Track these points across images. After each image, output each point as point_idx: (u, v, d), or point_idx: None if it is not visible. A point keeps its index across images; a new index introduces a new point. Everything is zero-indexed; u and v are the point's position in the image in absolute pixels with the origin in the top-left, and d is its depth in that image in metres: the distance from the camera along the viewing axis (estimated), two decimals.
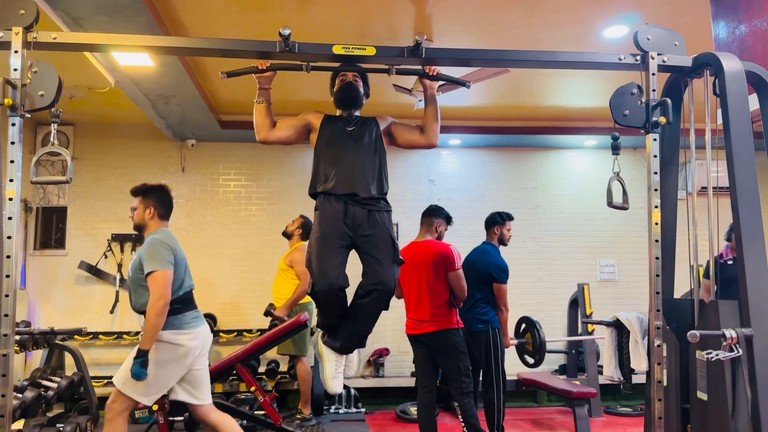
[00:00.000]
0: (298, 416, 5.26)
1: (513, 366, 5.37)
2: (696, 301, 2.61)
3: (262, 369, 6.00)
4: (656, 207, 2.50)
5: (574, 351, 6.24)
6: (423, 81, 2.79)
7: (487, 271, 4.21)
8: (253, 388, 4.41)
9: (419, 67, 2.69)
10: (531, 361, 4.75)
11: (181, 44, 2.74)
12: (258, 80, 2.72)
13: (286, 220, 5.72)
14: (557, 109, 6.14)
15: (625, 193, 2.56)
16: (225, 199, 6.61)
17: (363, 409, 5.87)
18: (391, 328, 6.13)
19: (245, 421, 4.40)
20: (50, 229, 6.32)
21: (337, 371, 2.69)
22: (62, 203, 6.35)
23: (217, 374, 4.41)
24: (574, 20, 4.12)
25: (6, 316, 2.17)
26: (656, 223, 2.49)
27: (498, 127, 6.44)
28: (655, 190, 2.50)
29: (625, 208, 2.58)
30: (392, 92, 4.84)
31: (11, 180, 2.23)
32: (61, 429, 4.16)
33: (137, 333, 6.03)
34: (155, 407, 3.73)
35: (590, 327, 5.92)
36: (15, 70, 2.28)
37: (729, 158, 2.40)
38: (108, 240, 6.31)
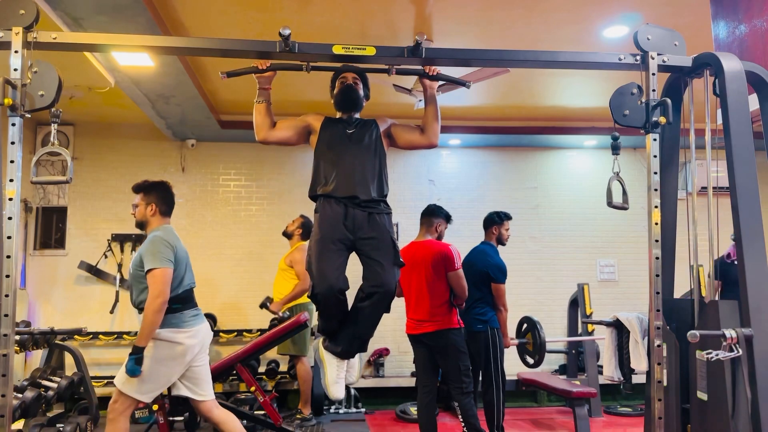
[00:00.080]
0: (298, 416, 5.26)
1: (513, 366, 5.38)
2: (696, 301, 2.61)
3: (262, 369, 6.00)
4: (656, 207, 2.50)
5: (574, 351, 6.24)
6: (423, 81, 2.79)
7: (485, 271, 4.21)
8: (253, 388, 4.41)
9: (419, 67, 2.69)
10: (531, 361, 4.75)
11: (181, 44, 2.74)
12: (258, 80, 2.72)
13: (286, 220, 5.72)
14: (557, 109, 6.14)
15: (625, 193, 2.56)
16: (225, 199, 6.61)
17: (363, 409, 5.87)
18: (391, 328, 6.13)
19: (245, 421, 4.40)
20: (50, 229, 6.33)
21: (339, 377, 2.68)
22: (62, 203, 6.35)
23: (217, 374, 4.41)
24: (574, 20, 4.12)
25: (6, 316, 2.17)
26: (656, 223, 2.49)
27: (498, 127, 6.44)
28: (655, 190, 2.50)
29: (625, 208, 2.58)
30: (392, 92, 4.84)
31: (11, 180, 2.23)
32: (61, 429, 4.16)
33: (137, 333, 6.01)
34: (155, 407, 3.73)
35: (590, 327, 5.92)
36: (15, 70, 2.28)
37: (729, 158, 2.40)
38: (108, 240, 6.32)
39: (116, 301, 6.23)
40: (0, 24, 2.31)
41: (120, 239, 6.33)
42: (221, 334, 6.21)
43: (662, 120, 2.47)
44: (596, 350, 6.03)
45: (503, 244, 4.48)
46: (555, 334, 6.46)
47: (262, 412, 4.50)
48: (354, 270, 2.56)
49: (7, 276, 2.18)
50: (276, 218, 6.39)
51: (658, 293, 2.47)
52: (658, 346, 2.45)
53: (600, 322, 3.74)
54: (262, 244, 6.48)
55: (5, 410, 2.16)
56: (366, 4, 3.89)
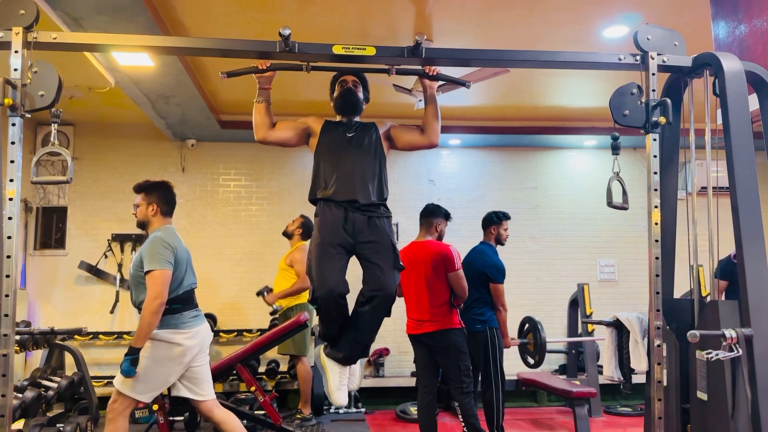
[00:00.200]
0: (298, 416, 5.26)
1: (513, 366, 5.38)
2: (696, 301, 2.61)
3: (262, 369, 6.00)
4: (656, 207, 2.50)
5: (574, 351, 6.24)
6: (423, 81, 2.79)
7: (483, 271, 4.20)
8: (253, 388, 4.41)
9: (419, 67, 2.69)
10: (532, 361, 4.75)
11: (181, 44, 2.74)
12: (258, 80, 2.72)
13: (286, 220, 5.72)
14: (557, 109, 6.15)
15: (625, 193, 2.56)
16: (225, 199, 6.61)
17: (363, 409, 5.87)
18: (391, 328, 6.13)
19: (245, 421, 4.40)
20: (50, 229, 6.33)
21: (342, 383, 2.67)
22: (62, 203, 6.35)
23: (217, 374, 4.41)
24: (574, 20, 4.12)
25: (6, 316, 2.17)
26: (656, 223, 2.49)
27: (498, 127, 6.44)
28: (655, 190, 2.50)
29: (625, 208, 2.58)
30: (392, 92, 4.84)
31: (11, 180, 2.23)
32: (61, 429, 4.16)
33: None
34: (155, 407, 3.73)
35: (590, 327, 5.92)
36: (15, 70, 2.28)
37: (729, 158, 2.40)
38: (108, 240, 6.32)
39: (116, 301, 6.24)
40: (0, 24, 2.30)
41: (120, 239, 6.33)
42: (221, 334, 6.21)
43: (662, 120, 2.47)
44: (596, 350, 6.03)
45: (502, 244, 4.47)
46: (555, 334, 6.46)
47: (262, 412, 4.50)
48: (354, 273, 2.56)
49: (7, 276, 2.18)
50: (276, 218, 6.39)
51: (658, 293, 2.47)
52: (658, 346, 2.45)
53: (600, 322, 3.74)
54: (262, 244, 6.48)
55: (5, 410, 2.16)
56: (366, 4, 3.89)
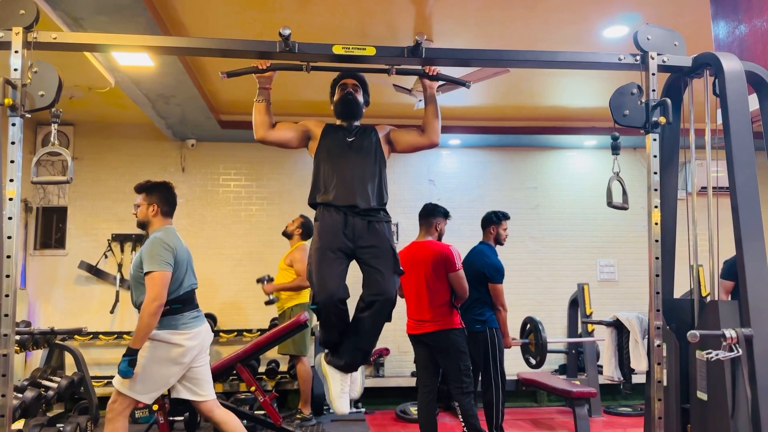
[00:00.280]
0: (298, 416, 5.26)
1: (513, 366, 5.38)
2: (696, 301, 2.61)
3: (262, 369, 6.00)
4: (656, 207, 2.50)
5: (574, 351, 6.24)
6: (423, 81, 2.79)
7: (481, 271, 4.20)
8: (253, 388, 4.41)
9: (419, 67, 2.69)
10: (533, 362, 4.75)
11: (181, 44, 2.74)
12: (258, 80, 2.72)
13: (286, 220, 5.72)
14: (557, 109, 6.15)
15: (625, 193, 2.56)
16: (225, 199, 6.62)
17: (363, 409, 5.87)
18: (391, 328, 6.10)
19: (245, 421, 4.40)
20: (50, 229, 6.33)
21: (343, 391, 2.67)
22: (62, 203, 6.35)
23: (217, 374, 4.41)
24: (574, 20, 4.12)
25: (6, 316, 2.17)
26: (656, 223, 2.49)
27: (498, 127, 6.44)
28: (655, 190, 2.50)
29: (625, 208, 2.58)
30: (392, 92, 4.84)
31: (11, 180, 2.23)
32: (61, 429, 4.16)
33: None
34: (155, 407, 3.73)
35: (590, 327, 5.92)
36: (15, 70, 2.28)
37: (729, 158, 2.40)
38: (108, 240, 6.32)
39: (116, 301, 6.24)
40: (0, 24, 2.30)
41: (120, 239, 6.33)
42: (221, 334, 6.21)
43: (662, 120, 2.47)
44: (596, 350, 6.03)
45: (501, 244, 4.47)
46: (555, 334, 6.46)
47: (262, 412, 4.50)
48: (354, 277, 2.57)
49: (7, 276, 2.18)
50: (276, 218, 6.39)
51: (658, 293, 2.47)
52: (658, 346, 2.45)
53: (600, 322, 3.74)
54: (262, 244, 6.48)
55: (5, 410, 2.16)
56: (366, 4, 3.89)
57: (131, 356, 3.02)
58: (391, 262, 2.63)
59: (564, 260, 6.84)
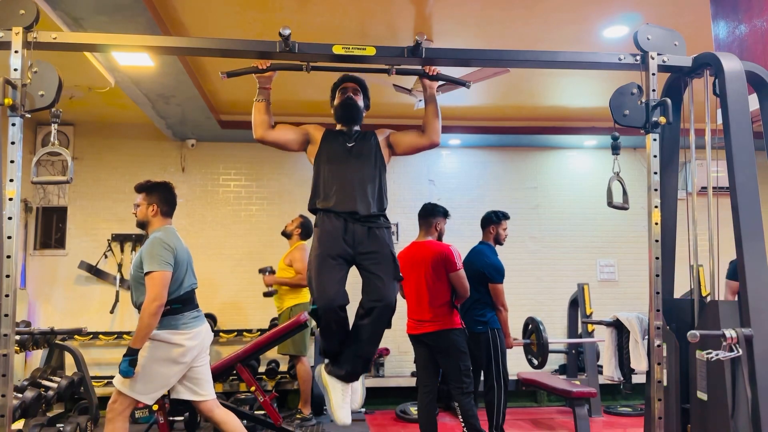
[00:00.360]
0: (298, 416, 5.26)
1: (513, 366, 5.36)
2: (696, 301, 2.61)
3: (262, 369, 6.00)
4: (656, 207, 2.50)
5: (574, 351, 6.24)
6: (423, 81, 2.79)
7: (481, 271, 4.19)
8: (253, 388, 4.41)
9: (419, 67, 2.69)
10: (535, 362, 4.75)
11: (181, 44, 2.74)
12: (258, 80, 2.72)
13: (286, 220, 5.72)
14: (557, 109, 6.15)
15: (625, 193, 2.56)
16: (225, 199, 6.62)
17: (363, 409, 5.86)
18: (392, 327, 6.07)
19: (245, 421, 4.40)
20: (50, 229, 6.33)
21: (345, 401, 2.65)
22: (62, 203, 6.35)
23: (217, 374, 4.41)
24: (574, 20, 4.12)
25: (6, 316, 2.17)
26: (656, 223, 2.49)
27: (498, 127, 6.44)
28: (655, 190, 2.50)
29: (625, 208, 2.58)
30: (392, 92, 4.84)
31: (11, 180, 2.23)
32: (61, 429, 4.16)
33: None
34: (155, 407, 3.73)
35: (590, 327, 5.92)
36: (15, 70, 2.28)
37: (729, 158, 2.40)
38: (108, 240, 6.32)
39: (116, 301, 6.24)
40: (0, 24, 2.30)
41: (120, 239, 6.33)
42: (221, 334, 6.21)
43: (662, 120, 2.47)
44: (596, 350, 6.03)
45: (501, 244, 4.46)
46: (555, 334, 6.46)
47: (262, 412, 4.50)
48: (353, 283, 2.57)
49: (7, 276, 2.18)
50: (276, 218, 6.39)
51: (658, 293, 2.47)
52: (658, 346, 2.45)
53: (600, 322, 3.74)
54: (262, 244, 6.48)
55: (5, 410, 2.16)
56: (366, 4, 3.89)
57: (132, 356, 3.03)
58: (391, 268, 2.64)
59: (564, 260, 6.84)
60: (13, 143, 2.25)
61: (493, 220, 4.42)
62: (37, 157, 2.35)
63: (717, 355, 2.21)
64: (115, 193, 6.38)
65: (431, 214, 4.10)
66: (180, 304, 3.23)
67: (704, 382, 2.43)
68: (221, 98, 5.69)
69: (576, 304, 6.17)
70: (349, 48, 2.48)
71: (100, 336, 6.07)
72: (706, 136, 2.60)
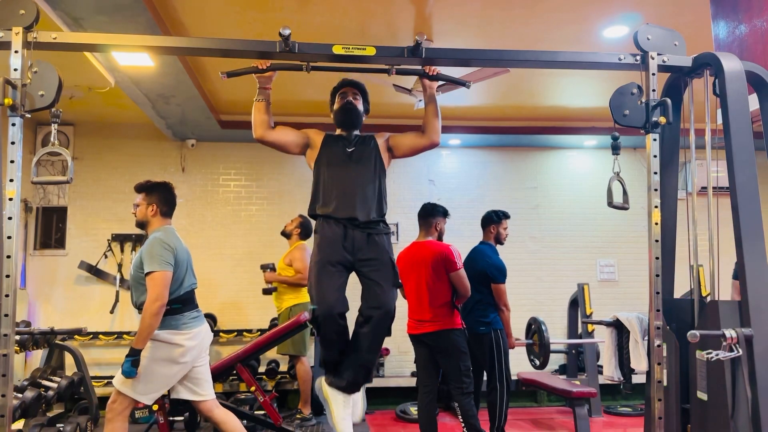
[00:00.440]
0: (298, 416, 5.26)
1: (513, 366, 5.35)
2: (696, 301, 2.61)
3: (262, 369, 6.00)
4: (656, 207, 2.50)
5: (574, 351, 6.24)
6: (423, 81, 2.79)
7: (483, 271, 4.18)
8: (253, 388, 4.41)
9: (419, 67, 2.69)
10: (537, 362, 4.74)
11: (181, 44, 2.74)
12: (258, 80, 2.72)
13: (286, 220, 5.72)
14: (557, 109, 6.14)
15: (625, 193, 2.56)
16: (225, 199, 6.62)
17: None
18: (392, 327, 6.12)
19: (245, 421, 4.40)
20: (50, 229, 6.33)
21: (346, 413, 2.64)
22: (62, 203, 6.35)
23: (217, 374, 4.41)
24: (574, 20, 4.12)
25: (6, 316, 2.17)
26: (656, 223, 2.49)
27: (498, 127, 6.44)
28: (655, 190, 2.50)
29: (626, 208, 2.58)
30: (392, 92, 4.84)
31: (11, 180, 2.23)
32: (61, 429, 4.16)
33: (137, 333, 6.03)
34: (155, 407, 3.73)
35: (590, 327, 5.92)
36: (15, 70, 2.28)
37: (729, 158, 2.40)
38: (108, 240, 6.32)
39: (116, 301, 6.24)
40: (0, 24, 2.30)
41: (120, 239, 6.33)
42: (221, 334, 6.21)
43: (662, 120, 2.47)
44: (596, 350, 6.03)
45: (501, 244, 4.44)
46: (555, 334, 6.45)
47: (262, 412, 4.50)
48: (352, 290, 2.57)
49: (7, 276, 2.18)
50: (276, 218, 6.39)
51: (658, 293, 2.47)
52: (658, 346, 2.45)
53: (600, 322, 3.74)
54: (262, 244, 6.48)
55: (5, 410, 2.16)
56: (366, 4, 3.89)
57: (134, 356, 3.03)
58: (391, 275, 2.65)
59: (564, 260, 6.84)
60: (13, 143, 2.25)
61: (493, 220, 4.41)
62: (37, 157, 2.35)
63: (717, 355, 2.21)
64: (115, 193, 6.38)
65: (431, 214, 4.10)
66: (180, 304, 3.23)
67: (704, 382, 2.43)
68: (221, 98, 5.69)
69: (576, 304, 6.17)
70: (349, 48, 2.48)
71: (100, 336, 6.07)
72: (706, 136, 2.60)
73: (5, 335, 2.16)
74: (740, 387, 2.27)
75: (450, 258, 3.89)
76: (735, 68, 2.43)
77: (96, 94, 5.22)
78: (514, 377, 5.69)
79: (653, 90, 2.52)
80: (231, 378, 5.66)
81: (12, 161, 2.24)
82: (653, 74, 2.53)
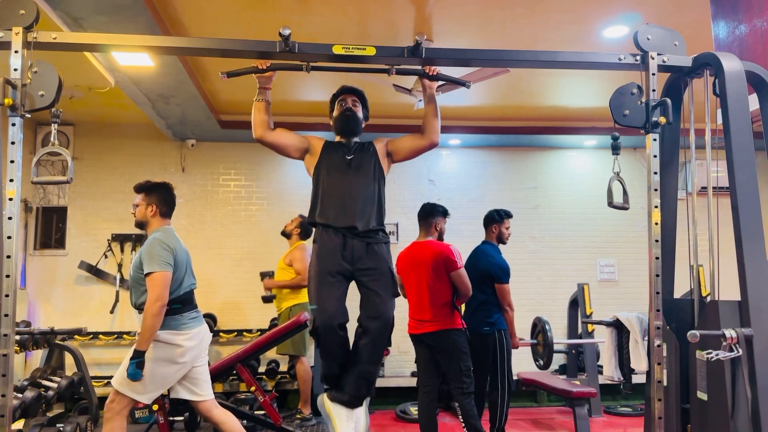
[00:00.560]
0: (298, 416, 5.26)
1: (514, 366, 5.37)
2: (696, 301, 2.61)
3: (262, 369, 6.00)
4: (656, 207, 2.50)
5: (574, 351, 6.24)
6: (423, 81, 2.79)
7: (487, 271, 4.17)
8: (253, 388, 4.41)
9: (419, 67, 2.69)
10: (541, 362, 4.74)
11: (181, 44, 2.74)
12: (258, 80, 2.72)
13: (286, 220, 5.72)
14: (557, 109, 6.14)
15: (625, 193, 2.56)
16: (225, 199, 6.62)
17: None
18: (392, 327, 6.12)
19: (245, 421, 4.40)
20: (50, 229, 6.33)
21: (350, 427, 2.62)
22: (62, 203, 6.35)
23: (217, 374, 4.41)
24: (574, 20, 4.12)
25: (6, 316, 2.17)
26: (656, 223, 2.49)
27: (498, 127, 6.44)
28: (655, 190, 2.50)
29: (626, 208, 2.58)
30: (392, 92, 4.84)
31: (11, 180, 2.23)
32: (61, 429, 4.16)
33: (137, 333, 6.03)
34: (155, 407, 3.73)
35: (590, 327, 5.92)
36: (15, 70, 2.28)
37: (729, 158, 2.40)
38: (108, 240, 6.32)
39: (116, 301, 6.24)
40: (0, 24, 2.30)
41: (120, 239, 6.33)
42: (221, 334, 6.21)
43: (662, 120, 2.47)
44: (596, 350, 6.03)
45: (503, 243, 4.43)
46: (555, 334, 6.38)
47: (262, 412, 4.50)
48: (352, 302, 2.58)
49: (7, 276, 2.18)
50: (276, 218, 6.39)
51: (658, 293, 2.47)
52: (658, 346, 2.45)
53: (600, 322, 3.74)
54: (262, 244, 6.48)
55: (5, 410, 2.16)
56: (366, 4, 3.89)
57: (139, 358, 3.02)
58: (390, 284, 2.65)
59: (564, 260, 6.84)
60: (13, 143, 2.25)
61: (495, 219, 4.39)
62: (37, 157, 2.35)
63: (717, 355, 2.21)
64: (115, 193, 6.38)
65: (431, 214, 4.10)
66: (180, 304, 3.23)
67: (704, 382, 2.43)
68: (221, 98, 5.69)
69: (576, 304, 6.17)
70: (349, 48, 2.49)
71: (100, 336, 6.07)
72: (706, 136, 2.60)
73: (5, 335, 2.17)
74: (740, 387, 2.27)
75: (450, 257, 3.89)
76: (735, 68, 2.43)
77: (96, 94, 5.23)
78: (514, 377, 5.71)
79: (653, 90, 2.52)
80: (231, 378, 5.66)
81: (12, 161, 2.24)
82: (653, 74, 2.53)
